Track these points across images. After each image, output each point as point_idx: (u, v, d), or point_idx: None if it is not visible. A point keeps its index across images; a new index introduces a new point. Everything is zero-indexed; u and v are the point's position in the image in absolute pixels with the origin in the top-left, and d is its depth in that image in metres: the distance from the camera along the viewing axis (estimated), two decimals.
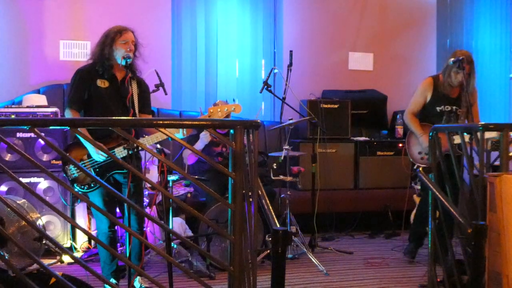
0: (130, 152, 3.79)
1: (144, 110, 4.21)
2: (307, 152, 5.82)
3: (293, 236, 5.10)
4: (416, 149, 5.07)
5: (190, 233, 5.05)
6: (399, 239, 5.62)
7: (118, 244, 4.67)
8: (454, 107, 4.94)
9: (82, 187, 4.02)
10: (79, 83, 4.08)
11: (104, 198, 4.07)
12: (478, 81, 7.64)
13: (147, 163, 4.85)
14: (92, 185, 4.01)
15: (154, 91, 4.52)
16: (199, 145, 5.25)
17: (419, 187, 5.48)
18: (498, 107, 7.82)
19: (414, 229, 5.18)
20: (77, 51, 6.28)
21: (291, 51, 6.02)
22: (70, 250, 5.13)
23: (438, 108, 4.96)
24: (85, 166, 4.01)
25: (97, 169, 4.01)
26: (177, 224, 5.02)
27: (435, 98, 4.97)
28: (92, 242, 5.25)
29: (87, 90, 4.06)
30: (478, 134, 3.32)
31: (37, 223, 4.63)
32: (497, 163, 3.40)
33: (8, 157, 5.13)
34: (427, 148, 4.78)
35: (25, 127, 2.45)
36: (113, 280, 4.09)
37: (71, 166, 4.06)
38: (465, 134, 3.51)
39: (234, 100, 5.52)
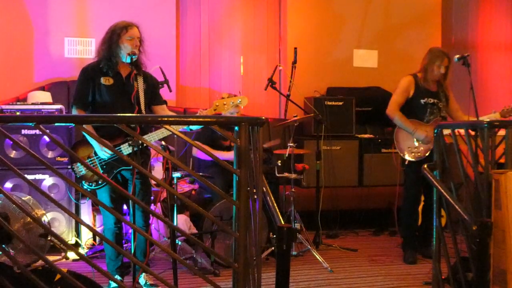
0: (135, 149, 3.79)
1: (157, 102, 4.23)
2: (311, 149, 5.82)
3: (297, 233, 5.10)
4: (406, 145, 5.13)
5: (194, 230, 5.06)
6: None
7: (124, 241, 4.68)
8: (435, 100, 5.13)
9: (90, 184, 4.03)
10: (83, 82, 4.09)
11: (111, 194, 4.08)
12: (483, 77, 7.73)
13: (152, 160, 4.87)
14: (100, 182, 4.02)
15: (159, 87, 4.52)
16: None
17: None
18: (503, 104, 7.78)
19: (405, 235, 5.24)
20: (81, 48, 6.28)
21: (295, 48, 6.02)
22: (75, 246, 5.14)
23: (422, 101, 5.12)
24: (92, 163, 4.02)
25: (104, 166, 4.02)
26: (181, 221, 5.02)
27: (418, 92, 5.14)
28: (97, 238, 5.26)
29: (92, 88, 4.06)
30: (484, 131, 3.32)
31: (42, 219, 4.64)
32: (502, 160, 3.39)
33: (13, 154, 5.14)
34: (425, 140, 5.02)
35: (30, 124, 2.46)
36: (118, 277, 4.10)
37: (79, 164, 4.07)
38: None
39: (240, 93, 5.52)
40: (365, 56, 7.27)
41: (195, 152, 5.50)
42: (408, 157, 5.10)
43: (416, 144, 5.07)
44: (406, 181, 5.24)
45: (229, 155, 5.20)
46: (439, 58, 5.06)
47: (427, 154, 5.01)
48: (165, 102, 4.35)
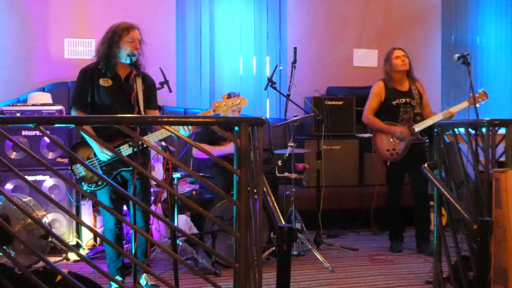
0: (135, 150, 3.79)
1: (150, 106, 4.20)
2: (312, 149, 5.81)
3: (298, 233, 5.10)
4: (384, 147, 5.33)
5: (195, 230, 5.06)
6: (405, 236, 5.61)
7: (124, 242, 4.68)
8: (408, 99, 5.30)
9: (90, 185, 4.03)
10: (82, 84, 4.08)
11: (111, 195, 4.08)
12: (484, 76, 7.73)
13: (152, 160, 4.87)
14: (100, 183, 4.01)
15: (158, 88, 4.52)
16: None
17: None
18: (504, 103, 7.80)
19: (393, 226, 5.46)
20: (81, 49, 6.28)
21: (295, 48, 6.01)
22: (76, 247, 5.14)
23: (394, 102, 5.31)
24: (91, 164, 4.01)
25: (104, 167, 4.02)
26: (182, 221, 5.02)
27: (388, 94, 5.33)
28: (98, 239, 5.27)
29: (91, 89, 4.06)
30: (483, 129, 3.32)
31: (43, 221, 4.64)
32: (502, 158, 3.39)
33: (13, 155, 5.14)
34: (401, 137, 5.23)
35: (31, 125, 2.46)
36: (118, 277, 4.10)
37: (78, 165, 4.06)
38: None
39: (239, 93, 5.53)
40: (365, 55, 7.27)
41: (195, 152, 5.50)
42: (387, 160, 5.32)
43: (393, 143, 5.26)
44: (388, 179, 5.49)
45: (228, 149, 5.20)
46: (391, 51, 5.32)
47: (404, 154, 5.24)
48: (158, 108, 4.32)
